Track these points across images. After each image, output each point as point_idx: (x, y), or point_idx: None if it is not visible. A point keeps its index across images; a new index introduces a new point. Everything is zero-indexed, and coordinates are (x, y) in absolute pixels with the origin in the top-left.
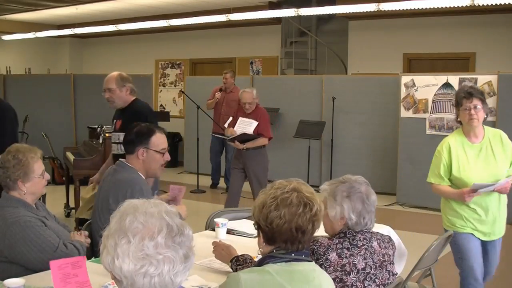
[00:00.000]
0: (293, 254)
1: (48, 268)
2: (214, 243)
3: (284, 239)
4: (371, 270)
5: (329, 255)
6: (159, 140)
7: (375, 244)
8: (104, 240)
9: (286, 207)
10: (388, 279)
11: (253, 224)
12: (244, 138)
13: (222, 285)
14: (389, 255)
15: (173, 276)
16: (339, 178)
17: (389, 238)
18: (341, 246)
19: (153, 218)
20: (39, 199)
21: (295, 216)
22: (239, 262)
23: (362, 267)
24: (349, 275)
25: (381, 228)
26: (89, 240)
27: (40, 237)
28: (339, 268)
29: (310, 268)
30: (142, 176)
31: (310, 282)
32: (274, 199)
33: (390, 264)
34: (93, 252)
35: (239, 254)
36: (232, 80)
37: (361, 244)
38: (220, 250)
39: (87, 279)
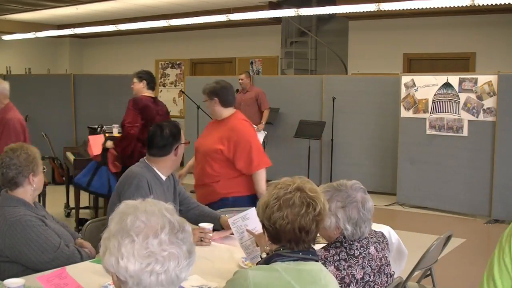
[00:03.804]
0: (300, 253)
1: (48, 268)
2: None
3: (288, 239)
4: (369, 278)
5: (327, 268)
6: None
7: (372, 249)
8: (104, 242)
9: (289, 207)
10: (387, 282)
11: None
12: None
13: (230, 281)
14: (386, 256)
15: (179, 272)
16: (334, 183)
17: (382, 234)
18: (338, 258)
19: (155, 216)
20: (39, 200)
21: (298, 216)
22: None
23: (361, 276)
24: (349, 286)
25: (381, 229)
26: (93, 251)
27: (41, 236)
28: (338, 281)
29: (318, 268)
30: (162, 175)
31: (317, 282)
32: (277, 199)
33: (387, 266)
34: None
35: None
36: (247, 80)
37: (358, 254)
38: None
39: (78, 285)
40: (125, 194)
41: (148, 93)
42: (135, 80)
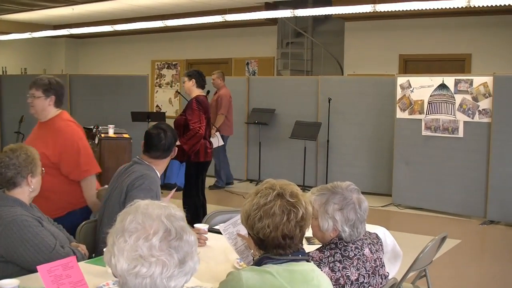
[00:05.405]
0: (290, 255)
1: None
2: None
3: (274, 245)
4: (364, 279)
5: (321, 270)
6: None
7: (366, 251)
8: (108, 237)
9: (270, 217)
10: (381, 283)
11: None
12: None
13: (223, 282)
14: (380, 258)
15: (166, 280)
16: (328, 185)
17: (376, 235)
18: (333, 259)
19: (151, 220)
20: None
21: (280, 225)
22: None
23: (355, 278)
24: None
25: (376, 229)
26: (87, 253)
27: (37, 237)
28: (333, 283)
29: (309, 268)
30: (158, 173)
31: (309, 282)
32: (258, 209)
33: (382, 267)
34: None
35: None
36: (218, 80)
37: (353, 255)
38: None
39: (81, 278)
40: (133, 194)
41: (199, 91)
42: (185, 79)
